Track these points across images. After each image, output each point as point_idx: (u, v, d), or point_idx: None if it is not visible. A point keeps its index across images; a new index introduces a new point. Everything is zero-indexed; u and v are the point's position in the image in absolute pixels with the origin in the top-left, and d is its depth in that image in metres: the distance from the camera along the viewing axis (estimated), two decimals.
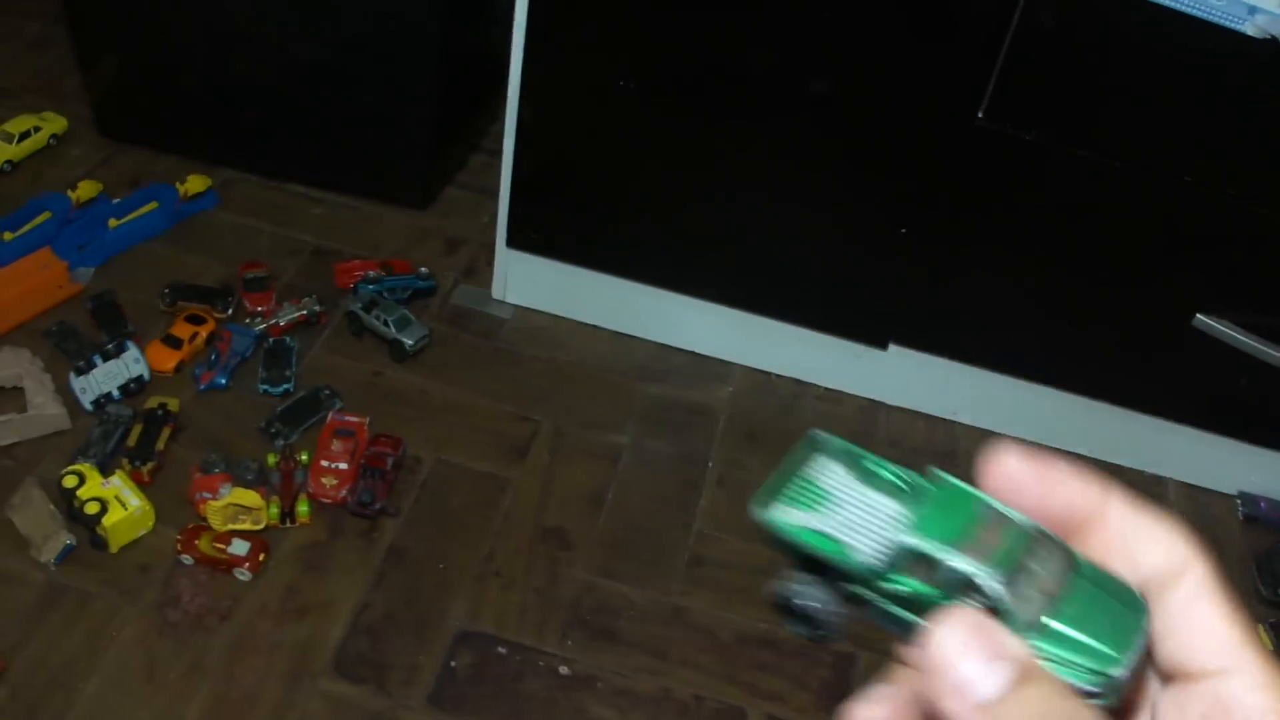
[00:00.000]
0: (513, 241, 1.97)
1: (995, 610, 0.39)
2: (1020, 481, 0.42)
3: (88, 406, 1.80)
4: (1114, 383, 1.94)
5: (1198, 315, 1.78)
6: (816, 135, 1.76)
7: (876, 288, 1.91)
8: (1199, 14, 1.48)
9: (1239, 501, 2.04)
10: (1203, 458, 2.02)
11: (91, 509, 1.61)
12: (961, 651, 0.38)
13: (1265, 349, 1.77)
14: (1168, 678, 0.42)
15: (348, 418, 1.80)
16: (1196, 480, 2.05)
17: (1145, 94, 1.63)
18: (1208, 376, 1.89)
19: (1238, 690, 0.39)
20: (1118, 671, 0.38)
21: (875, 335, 1.95)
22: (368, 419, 1.80)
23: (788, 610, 0.42)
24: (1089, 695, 0.38)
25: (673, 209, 1.88)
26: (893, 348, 1.96)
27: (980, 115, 1.65)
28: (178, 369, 1.88)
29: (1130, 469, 2.03)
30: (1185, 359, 1.85)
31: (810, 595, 0.42)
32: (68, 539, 1.62)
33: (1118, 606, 0.40)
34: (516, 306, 2.08)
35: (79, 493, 1.63)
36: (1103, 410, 1.95)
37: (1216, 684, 0.40)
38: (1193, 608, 0.41)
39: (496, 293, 2.08)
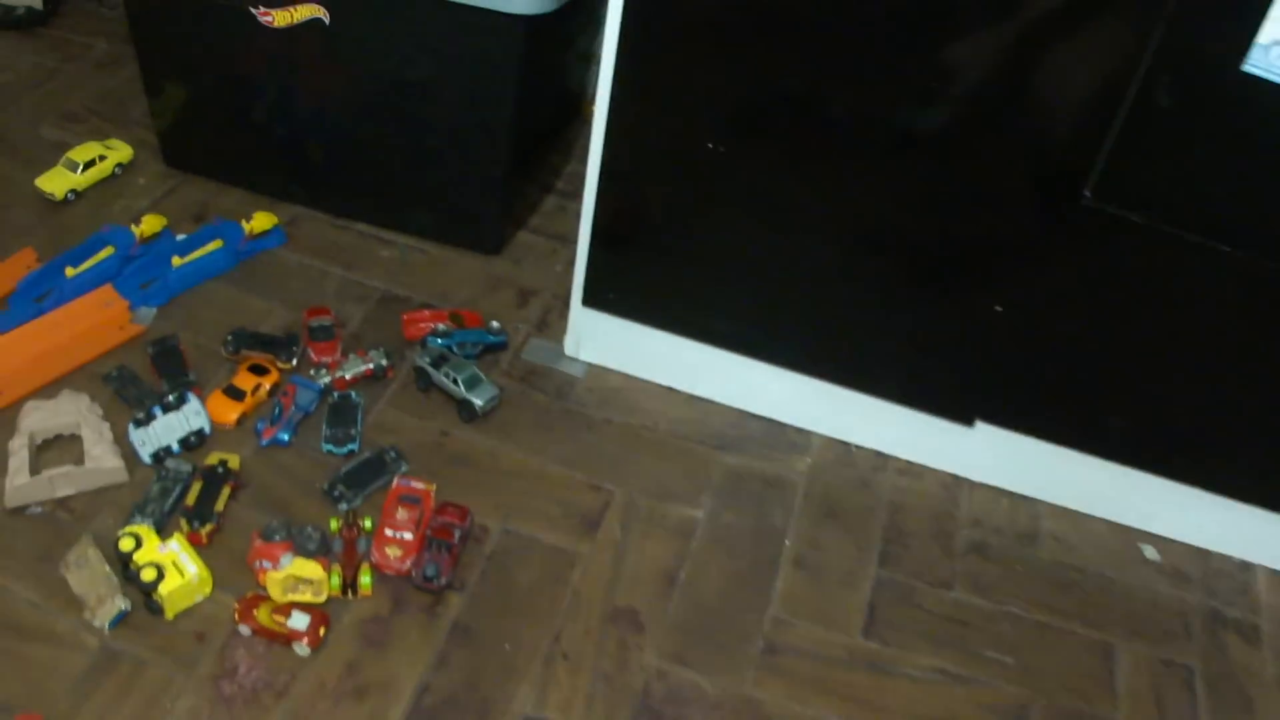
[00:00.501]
0: (589, 300, 1.92)
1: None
2: None
3: (146, 460, 1.76)
4: (1209, 467, 1.86)
5: None
6: (914, 206, 1.69)
7: (966, 364, 1.84)
8: None
9: None
10: None
11: (148, 575, 1.56)
12: None
13: None
14: None
15: (413, 483, 1.74)
16: None
17: (1265, 177, 1.55)
18: None
19: None
20: None
21: (961, 412, 1.88)
22: (434, 486, 1.75)
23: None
24: None
25: (757, 274, 1.82)
26: (979, 424, 1.89)
27: (1087, 194, 1.58)
28: (239, 422, 1.84)
29: (1219, 554, 1.95)
30: None
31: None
32: (123, 604, 1.57)
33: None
34: (590, 365, 2.02)
35: (135, 557, 1.59)
36: (1193, 495, 1.88)
37: None
38: None
39: (570, 349, 2.02)
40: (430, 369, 1.89)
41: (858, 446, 1.98)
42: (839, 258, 1.77)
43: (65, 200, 2.24)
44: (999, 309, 1.73)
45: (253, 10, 1.98)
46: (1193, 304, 1.69)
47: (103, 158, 2.30)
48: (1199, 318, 1.70)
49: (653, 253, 1.86)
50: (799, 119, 1.67)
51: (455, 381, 1.87)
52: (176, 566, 1.59)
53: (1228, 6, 1.39)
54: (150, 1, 2.14)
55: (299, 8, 1.96)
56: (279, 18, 1.98)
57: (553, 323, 2.09)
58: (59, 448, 1.79)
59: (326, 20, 1.96)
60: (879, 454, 1.98)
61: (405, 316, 2.03)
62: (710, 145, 1.68)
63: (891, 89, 1.59)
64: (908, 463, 1.97)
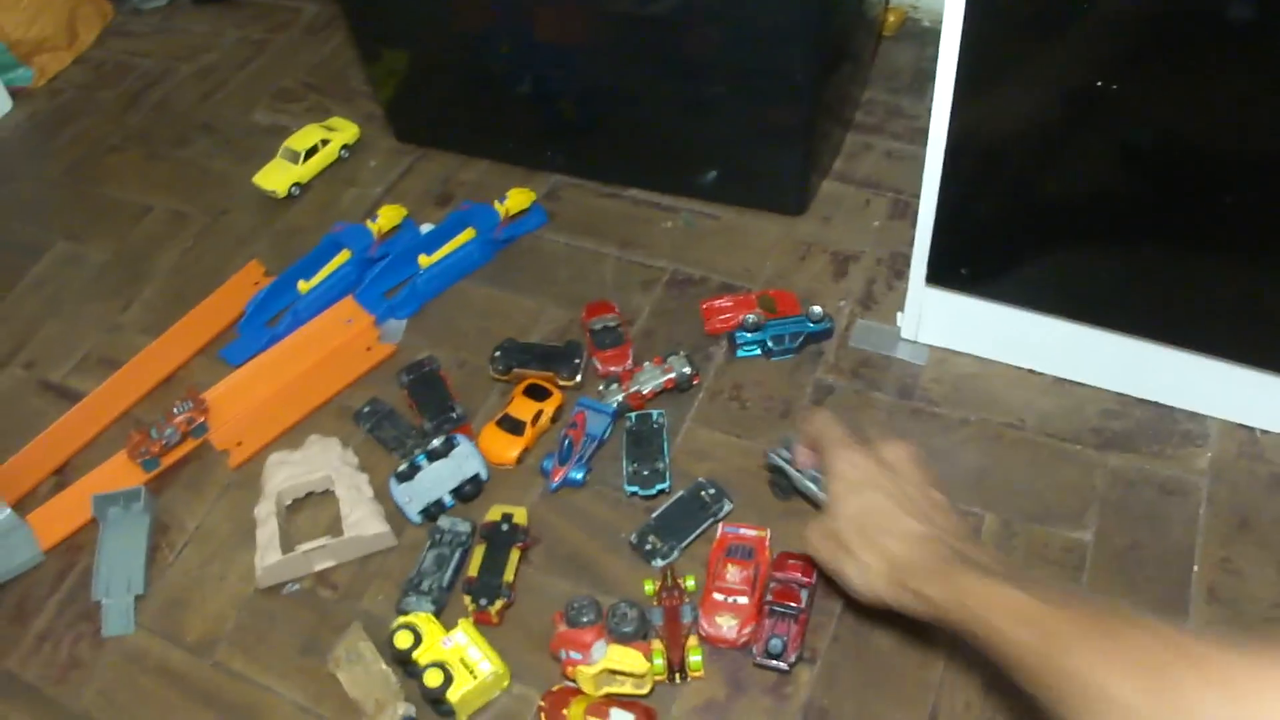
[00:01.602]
0: (934, 279, 1.54)
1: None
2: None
3: (415, 519, 1.49)
4: None
5: None
6: None
7: None
8: None
9: None
10: None
11: (433, 680, 1.28)
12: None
13: None
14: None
15: (742, 530, 1.42)
16: None
17: None
18: None
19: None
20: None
21: None
22: (768, 531, 1.42)
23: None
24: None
25: (1136, 238, 1.40)
26: None
27: None
28: (521, 460, 1.55)
29: None
30: None
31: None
32: (405, 710, 1.30)
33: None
34: (933, 348, 1.65)
35: (415, 656, 1.31)
36: None
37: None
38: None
39: (907, 332, 1.65)
40: (789, 467, 1.51)
41: (1263, 431, 1.55)
42: (1236, 224, 1.34)
43: (289, 196, 2.00)
44: None
45: None
46: None
47: (325, 142, 2.04)
48: None
49: (1015, 216, 1.47)
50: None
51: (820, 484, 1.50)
52: (465, 664, 1.31)
53: None
54: None
55: None
56: None
57: (879, 296, 1.72)
58: (312, 507, 1.55)
59: None
60: None
61: (705, 305, 1.70)
62: (1099, 82, 1.27)
63: None
64: None
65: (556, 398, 1.59)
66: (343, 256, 1.82)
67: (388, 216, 1.87)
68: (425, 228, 1.87)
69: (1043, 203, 1.42)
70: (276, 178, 2.00)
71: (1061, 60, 1.28)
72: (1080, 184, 1.39)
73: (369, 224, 1.85)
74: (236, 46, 2.46)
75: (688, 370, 1.60)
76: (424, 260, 1.78)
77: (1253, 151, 1.24)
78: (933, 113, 1.35)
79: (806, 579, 1.36)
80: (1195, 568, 1.40)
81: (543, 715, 1.30)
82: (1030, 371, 1.61)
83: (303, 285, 1.78)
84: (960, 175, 1.40)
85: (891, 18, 2.16)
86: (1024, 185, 1.42)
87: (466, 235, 1.82)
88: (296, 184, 2.00)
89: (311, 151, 2.02)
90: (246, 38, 2.48)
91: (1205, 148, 1.28)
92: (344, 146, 2.06)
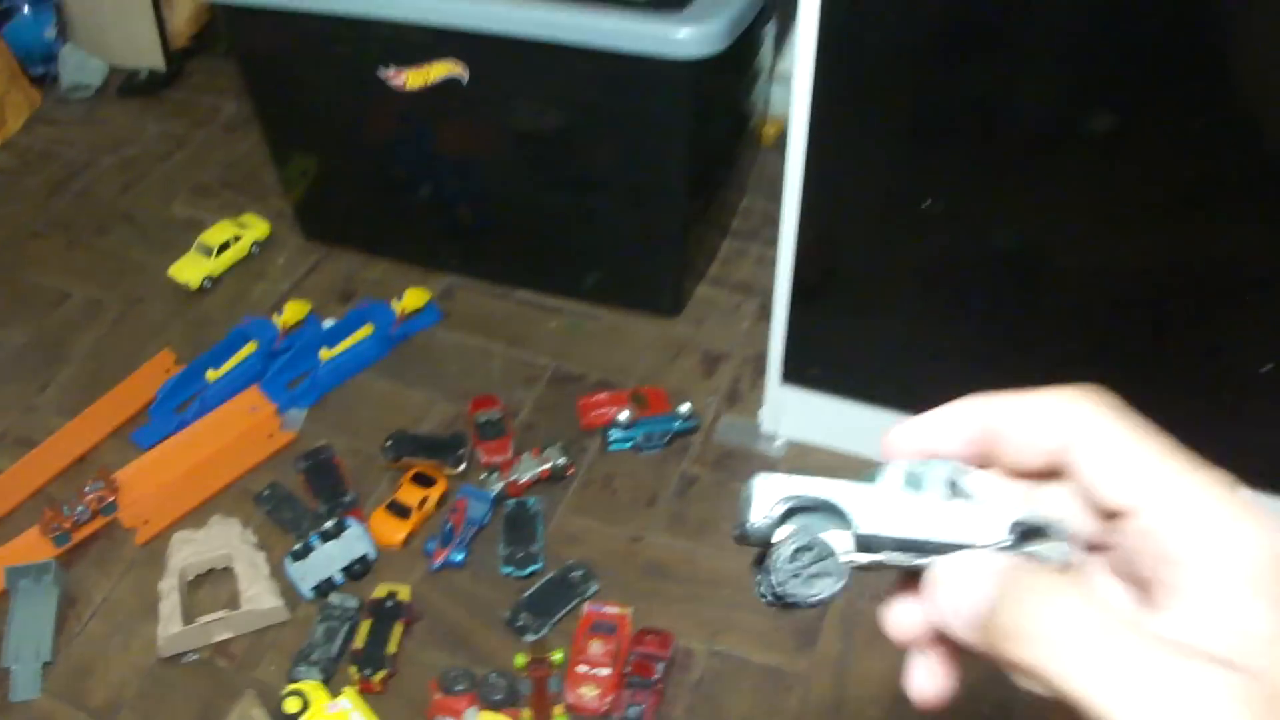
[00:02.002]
0: (789, 378, 1.71)
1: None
2: (917, 449, 0.49)
3: (307, 594, 1.62)
4: None
5: None
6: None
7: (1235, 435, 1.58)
8: None
9: None
10: None
11: None
12: (955, 582, 0.44)
13: None
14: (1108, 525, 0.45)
15: (606, 609, 1.57)
16: None
17: None
18: None
19: (1150, 524, 0.41)
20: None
21: None
22: (629, 609, 1.57)
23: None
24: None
25: (971, 337, 1.59)
26: None
27: None
28: (406, 542, 1.69)
29: None
30: None
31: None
32: None
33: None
34: (790, 442, 1.82)
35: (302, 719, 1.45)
36: None
37: (1136, 522, 0.42)
38: (1101, 457, 0.44)
39: (767, 427, 1.82)
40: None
41: None
42: (1087, 319, 1.53)
43: (201, 289, 2.12)
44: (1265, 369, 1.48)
45: (380, 74, 1.82)
46: None
47: (238, 238, 2.17)
48: None
49: (861, 320, 1.65)
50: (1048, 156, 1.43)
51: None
52: None
53: None
54: (267, 69, 2.01)
55: (433, 66, 1.79)
56: (411, 79, 1.82)
57: (744, 393, 1.89)
58: (212, 583, 1.67)
59: (465, 78, 1.79)
60: None
61: (582, 402, 1.85)
62: (925, 203, 1.46)
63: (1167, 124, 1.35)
64: None
65: (441, 485, 1.73)
66: (249, 348, 1.94)
67: (293, 311, 2.01)
68: (327, 323, 2.01)
69: (884, 306, 1.61)
70: (190, 270, 2.12)
71: (892, 180, 1.47)
72: (917, 289, 1.58)
73: (275, 318, 1.99)
74: (158, 140, 2.58)
75: (563, 462, 1.75)
76: (325, 354, 1.92)
77: (1061, 257, 1.45)
78: (782, 223, 1.53)
79: (663, 653, 1.52)
80: None
81: None
82: (879, 462, 1.78)
83: (211, 374, 1.91)
84: (807, 281, 1.58)
85: (771, 129, 2.32)
86: (866, 290, 1.61)
87: (365, 331, 1.96)
88: (209, 277, 2.12)
89: (224, 246, 2.14)
90: (168, 132, 2.60)
91: (1024, 255, 1.48)
92: (255, 243, 2.19)
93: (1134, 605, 0.43)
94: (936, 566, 0.44)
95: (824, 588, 0.46)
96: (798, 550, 0.45)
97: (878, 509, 0.46)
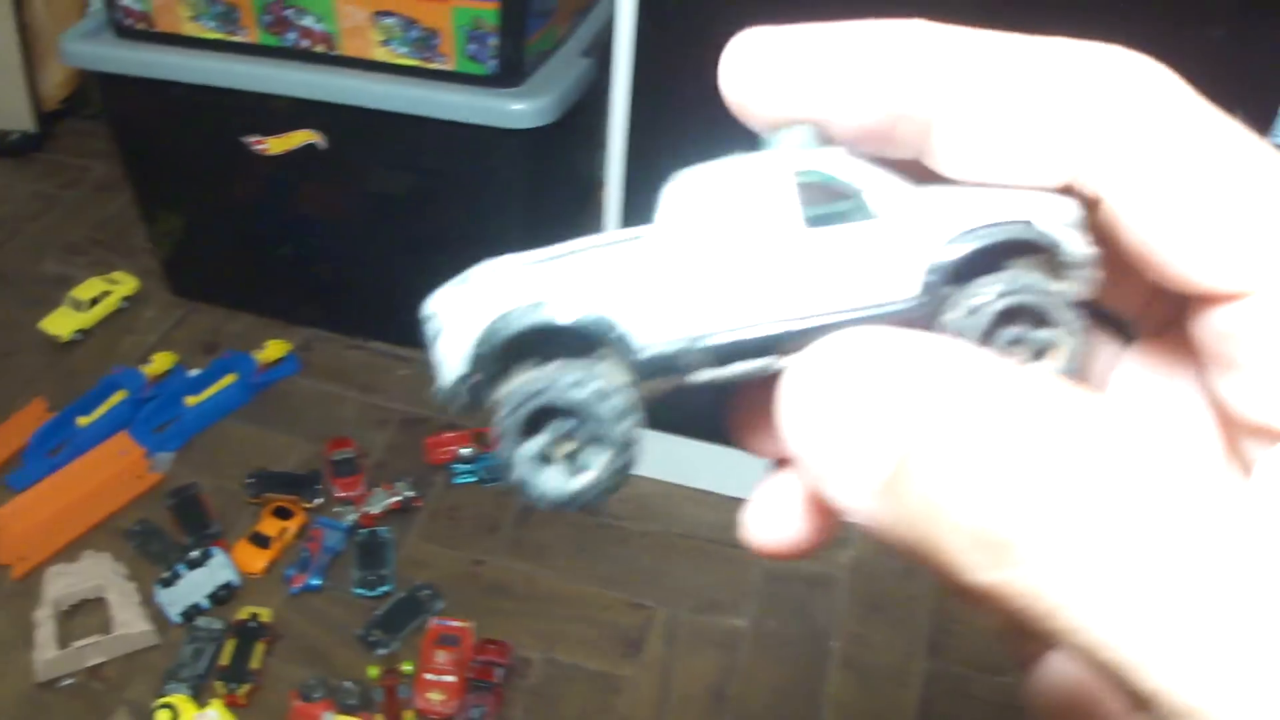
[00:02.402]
0: None
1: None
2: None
3: (176, 619, 1.76)
4: None
5: None
6: None
7: None
8: None
9: None
10: None
11: None
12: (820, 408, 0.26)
13: None
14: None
15: (450, 623, 1.74)
16: None
17: None
18: None
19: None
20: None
21: None
22: (472, 623, 1.75)
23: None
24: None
25: None
26: None
27: None
28: (268, 570, 1.84)
29: None
30: None
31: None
32: None
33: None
34: None
35: None
36: None
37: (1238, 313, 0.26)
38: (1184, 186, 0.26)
39: None
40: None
41: None
42: None
43: (72, 341, 2.25)
44: None
45: (245, 140, 1.99)
46: None
47: (107, 293, 2.31)
48: None
49: None
50: None
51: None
52: None
53: None
54: (138, 133, 2.16)
55: (293, 134, 1.97)
56: (273, 145, 1.99)
57: None
58: (85, 613, 1.79)
59: (322, 144, 1.97)
60: None
61: (428, 441, 2.03)
62: None
63: None
64: None
65: (299, 517, 1.90)
66: (119, 396, 2.08)
67: (160, 362, 2.15)
68: (193, 372, 2.16)
69: None
70: (62, 324, 2.25)
71: None
72: None
73: (143, 368, 2.13)
74: (29, 200, 2.70)
75: (411, 494, 1.93)
76: (190, 400, 2.07)
77: None
78: None
79: (502, 659, 1.70)
80: (834, 643, 1.79)
81: None
82: (705, 491, 1.99)
83: (82, 420, 2.04)
84: None
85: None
86: None
87: (229, 379, 2.12)
88: (80, 330, 2.26)
89: (94, 301, 2.28)
90: (39, 192, 2.72)
91: None
92: (124, 298, 2.33)
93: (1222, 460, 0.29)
94: (791, 373, 0.27)
95: (595, 469, 0.30)
96: (530, 421, 0.29)
97: (656, 286, 0.28)
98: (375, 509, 1.91)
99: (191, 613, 1.77)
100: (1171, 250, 0.26)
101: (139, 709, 1.65)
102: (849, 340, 0.26)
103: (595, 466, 0.29)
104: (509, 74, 1.84)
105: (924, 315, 0.28)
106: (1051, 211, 0.28)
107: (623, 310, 0.28)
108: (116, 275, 2.37)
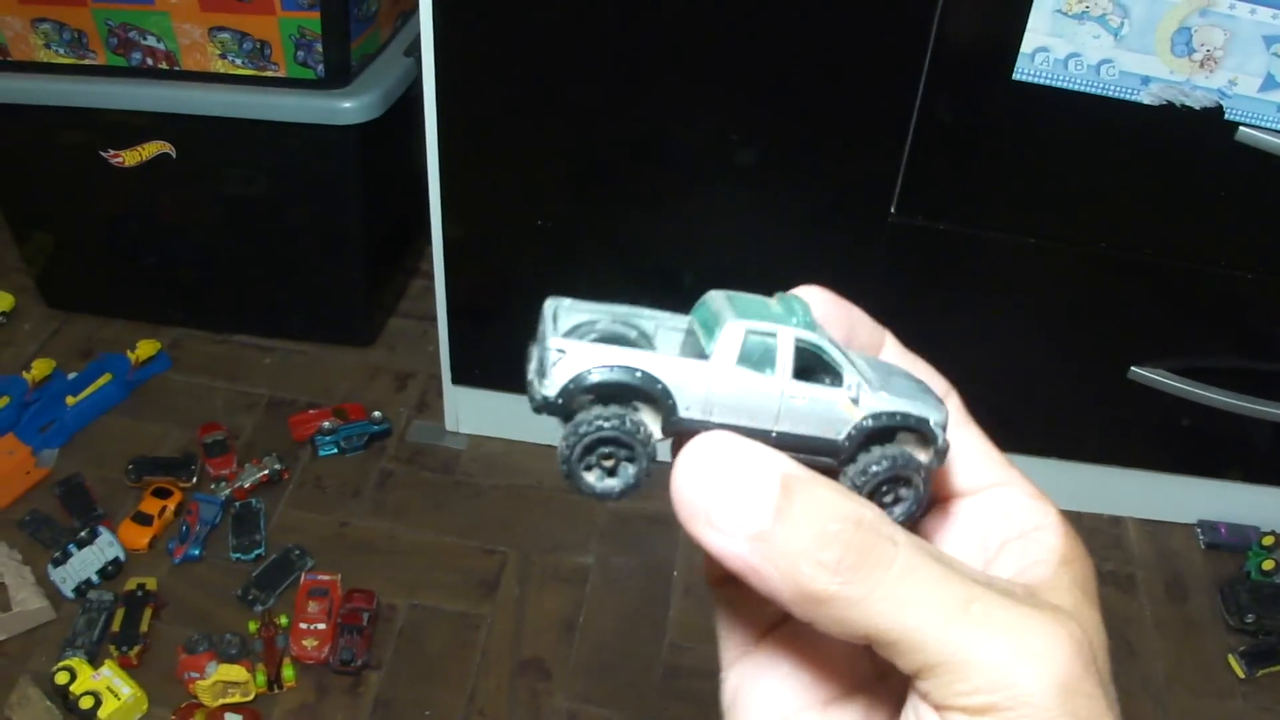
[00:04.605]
0: (458, 379, 2.15)
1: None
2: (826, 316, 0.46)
3: (69, 595, 1.97)
4: (1061, 437, 2.11)
5: (1133, 368, 1.96)
6: (737, 248, 1.93)
7: None
8: (1095, 91, 1.64)
9: (1199, 530, 2.23)
10: (1158, 495, 2.20)
11: (86, 703, 1.77)
12: (710, 483, 0.40)
13: (1198, 390, 1.94)
14: (945, 500, 0.48)
15: (320, 577, 1.97)
16: (1155, 516, 2.24)
17: (1049, 171, 1.78)
18: (1151, 421, 2.05)
19: (1014, 496, 0.46)
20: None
21: None
22: (339, 575, 1.97)
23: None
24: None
25: None
26: None
27: (893, 211, 1.81)
28: (151, 545, 2.05)
29: (1089, 514, 2.21)
30: (1127, 408, 2.02)
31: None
32: None
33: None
34: (471, 436, 2.26)
35: (72, 688, 1.79)
36: (1054, 465, 2.13)
37: (993, 494, 0.47)
38: (958, 434, 0.47)
39: (450, 425, 2.25)
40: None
41: None
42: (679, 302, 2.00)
43: None
44: None
45: (102, 154, 2.20)
46: (1013, 292, 1.93)
47: None
48: (1024, 303, 1.94)
49: (511, 323, 2.09)
50: (622, 177, 1.91)
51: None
52: (112, 690, 1.80)
53: (991, 22, 1.62)
54: (1, 157, 2.34)
55: (146, 146, 2.18)
56: (128, 157, 2.20)
57: (431, 402, 2.32)
58: None
59: (174, 154, 2.18)
60: None
61: (292, 419, 2.26)
62: (539, 221, 1.93)
63: (710, 135, 1.82)
64: None
65: (177, 496, 2.11)
66: (2, 401, 2.27)
67: (40, 368, 2.35)
68: (71, 375, 2.35)
69: (521, 310, 2.05)
70: None
71: (514, 207, 1.93)
72: (542, 294, 2.03)
73: (24, 374, 2.33)
74: None
75: (279, 468, 2.16)
76: (70, 400, 2.26)
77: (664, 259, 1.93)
78: (433, 253, 1.97)
79: (368, 605, 1.93)
80: (675, 573, 2.04)
81: None
82: (551, 446, 2.21)
83: None
84: (458, 296, 2.03)
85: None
86: (508, 300, 2.05)
87: (105, 379, 2.32)
88: None
89: None
90: None
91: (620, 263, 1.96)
92: (2, 314, 2.53)
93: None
94: (685, 452, 0.41)
95: (624, 478, 0.44)
96: (599, 440, 0.43)
97: (703, 385, 0.42)
98: (246, 483, 2.13)
99: (83, 588, 1.97)
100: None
101: (40, 677, 1.84)
102: (712, 442, 0.41)
103: (627, 474, 0.43)
104: (336, 76, 2.07)
105: (840, 451, 0.43)
106: (937, 413, 0.44)
107: (681, 390, 0.42)
108: None
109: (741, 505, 0.39)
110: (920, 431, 0.44)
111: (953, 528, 0.48)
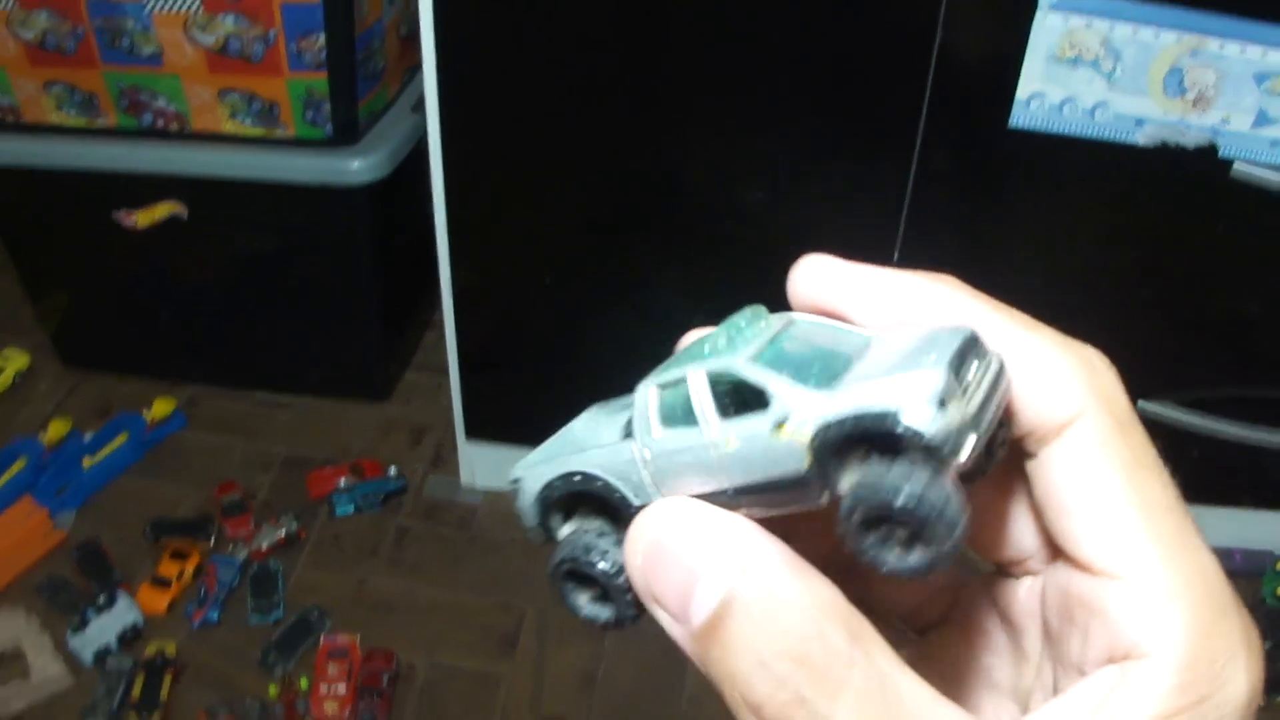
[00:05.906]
0: (472, 434, 2.17)
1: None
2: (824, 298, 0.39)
3: (88, 661, 1.98)
4: None
5: (1140, 402, 1.96)
6: (745, 292, 1.93)
7: None
8: (1090, 135, 1.65)
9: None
10: None
11: None
12: (652, 564, 0.35)
13: (1207, 423, 1.95)
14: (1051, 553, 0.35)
15: (339, 638, 1.98)
16: None
17: (1048, 213, 1.80)
18: (1161, 454, 2.05)
19: (1119, 606, 0.32)
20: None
21: None
22: (358, 635, 1.99)
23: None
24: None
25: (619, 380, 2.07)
26: None
27: (895, 258, 1.83)
28: (170, 608, 2.07)
29: None
30: None
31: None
32: None
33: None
34: (486, 490, 2.28)
35: None
36: None
37: (1096, 586, 0.33)
38: (1077, 468, 0.33)
39: (465, 480, 2.27)
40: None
41: None
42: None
43: None
44: None
45: (114, 216, 2.23)
46: None
47: (1, 370, 2.53)
48: None
49: (522, 378, 2.11)
50: (630, 227, 1.92)
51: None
52: None
53: (986, 70, 1.64)
54: (16, 217, 2.37)
55: (158, 206, 2.21)
56: (140, 218, 2.22)
57: (447, 456, 2.33)
58: (5, 666, 1.99)
59: (185, 215, 2.20)
60: None
61: (310, 476, 2.28)
62: (547, 281, 1.95)
63: (715, 186, 1.84)
64: None
65: (195, 558, 2.12)
66: (19, 464, 2.29)
67: (56, 429, 2.37)
68: (88, 435, 2.38)
69: (542, 363, 2.07)
70: None
71: (519, 267, 1.95)
72: (550, 348, 2.05)
73: (40, 436, 2.36)
74: None
75: (295, 527, 2.17)
76: (87, 461, 2.29)
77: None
78: (444, 312, 1.99)
79: (387, 666, 1.94)
80: None
81: None
82: None
83: None
84: (470, 355, 2.04)
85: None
86: (517, 354, 2.07)
87: (121, 439, 2.35)
88: None
89: None
90: None
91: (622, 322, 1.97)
92: (17, 373, 2.55)
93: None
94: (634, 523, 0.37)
95: (611, 612, 0.40)
96: (570, 573, 0.40)
97: (638, 464, 0.38)
98: (264, 544, 2.15)
99: (102, 654, 1.99)
100: (1075, 534, 0.34)
101: None
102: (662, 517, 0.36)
103: (604, 565, 0.39)
104: (344, 135, 2.09)
105: (813, 487, 0.34)
106: (912, 391, 0.31)
107: (624, 478, 0.38)
108: (8, 353, 2.59)
109: (680, 598, 0.34)
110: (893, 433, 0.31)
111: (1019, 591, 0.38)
